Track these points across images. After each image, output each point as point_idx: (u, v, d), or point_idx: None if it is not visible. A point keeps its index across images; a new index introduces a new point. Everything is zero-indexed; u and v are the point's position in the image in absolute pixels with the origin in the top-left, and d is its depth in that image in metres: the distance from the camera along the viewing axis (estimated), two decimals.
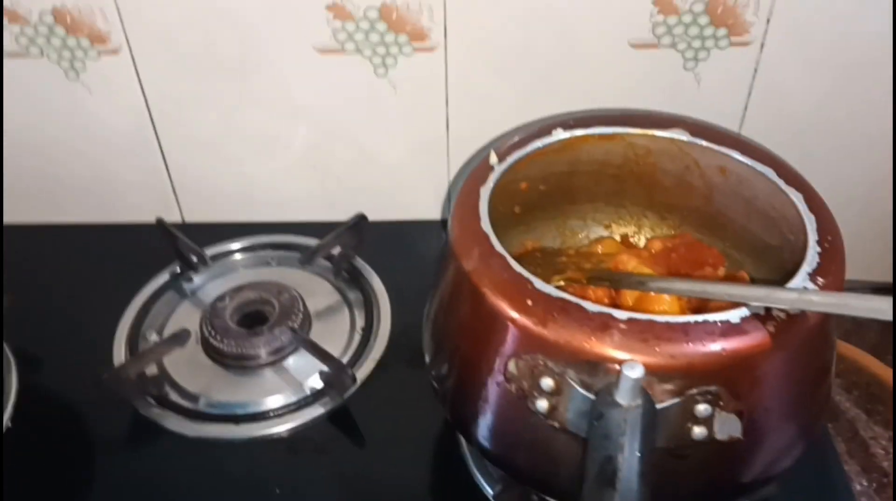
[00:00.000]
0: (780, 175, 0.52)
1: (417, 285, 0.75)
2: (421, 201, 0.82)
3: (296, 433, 0.63)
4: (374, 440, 0.63)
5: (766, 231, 0.57)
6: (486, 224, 0.49)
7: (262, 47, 0.70)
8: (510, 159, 0.55)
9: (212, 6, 0.68)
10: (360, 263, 0.77)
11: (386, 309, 0.72)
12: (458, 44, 0.69)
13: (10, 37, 0.69)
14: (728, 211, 0.60)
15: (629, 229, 0.67)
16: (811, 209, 0.49)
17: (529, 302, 0.44)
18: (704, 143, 0.56)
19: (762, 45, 0.68)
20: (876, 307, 0.34)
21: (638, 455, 0.38)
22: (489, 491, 0.57)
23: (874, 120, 0.71)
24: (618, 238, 0.66)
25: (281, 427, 0.63)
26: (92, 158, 0.78)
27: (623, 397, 0.39)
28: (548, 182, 0.62)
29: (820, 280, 0.45)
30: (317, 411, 0.64)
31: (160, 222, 0.75)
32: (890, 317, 0.33)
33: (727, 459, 0.46)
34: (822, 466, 0.59)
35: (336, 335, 0.70)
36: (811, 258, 0.46)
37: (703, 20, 0.67)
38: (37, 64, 0.71)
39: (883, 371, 0.69)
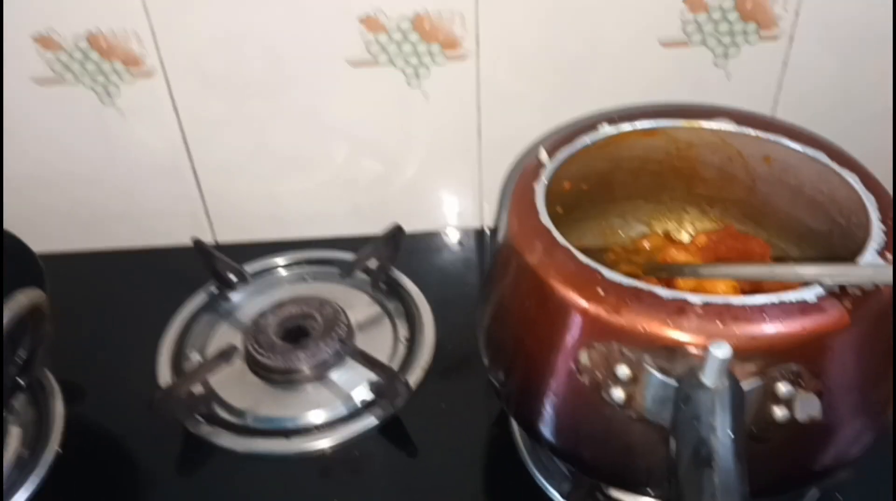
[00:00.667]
0: (832, 158, 0.53)
1: (457, 292, 0.76)
2: (454, 209, 0.82)
3: (348, 446, 0.62)
4: (428, 449, 0.62)
5: (813, 217, 0.58)
6: (545, 218, 0.49)
7: (293, 64, 0.71)
8: (560, 156, 0.55)
9: (244, 26, 0.68)
10: (398, 274, 0.77)
11: (428, 318, 0.72)
12: (489, 50, 0.70)
13: (44, 63, 0.69)
14: (772, 200, 0.60)
15: (670, 225, 0.67)
16: (868, 188, 0.50)
17: (601, 291, 0.44)
18: (751, 131, 0.56)
19: (791, 39, 0.69)
20: None
21: (731, 435, 0.38)
22: (553, 492, 0.57)
23: None
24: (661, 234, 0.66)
25: (332, 440, 0.62)
26: (125, 183, 0.78)
27: (710, 378, 0.39)
28: (589, 181, 0.62)
29: (889, 256, 0.45)
30: (368, 422, 0.63)
31: (197, 242, 0.75)
32: None
33: (806, 442, 0.45)
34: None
35: (381, 347, 0.70)
36: (877, 235, 0.46)
37: (733, 16, 0.67)
38: (71, 90, 0.71)
39: None
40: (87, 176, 0.78)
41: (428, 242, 0.82)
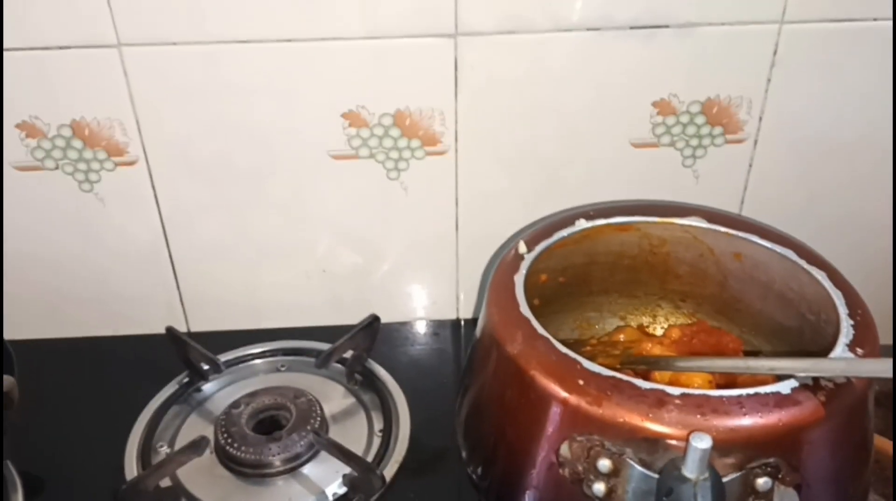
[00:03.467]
0: (800, 256, 0.55)
1: (433, 384, 0.75)
2: (430, 300, 0.82)
3: None
4: None
5: (784, 313, 0.59)
6: (525, 309, 0.50)
7: (276, 156, 0.72)
8: (538, 248, 0.56)
9: (229, 117, 0.70)
10: (373, 365, 0.76)
11: (403, 410, 0.71)
12: (468, 146, 0.72)
13: (27, 151, 0.70)
14: (744, 296, 0.62)
15: (644, 319, 0.68)
16: (836, 285, 0.51)
17: (581, 382, 0.44)
18: (722, 228, 0.58)
19: (756, 142, 0.72)
20: None
21: None
22: None
23: (872, 204, 0.75)
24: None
25: None
26: (100, 269, 0.78)
27: (691, 470, 0.39)
28: (566, 274, 0.64)
29: (859, 350, 0.46)
30: None
31: (170, 330, 0.74)
32: None
33: None
34: None
35: (355, 439, 0.69)
36: (846, 330, 0.47)
37: (700, 120, 0.71)
38: (51, 176, 0.72)
39: (882, 445, 0.69)
40: (62, 262, 0.77)
41: (404, 332, 0.82)
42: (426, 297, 0.82)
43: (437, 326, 0.83)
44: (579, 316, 0.68)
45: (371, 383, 0.75)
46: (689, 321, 0.66)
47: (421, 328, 0.83)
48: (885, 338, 0.78)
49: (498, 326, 0.50)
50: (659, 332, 0.67)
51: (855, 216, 0.75)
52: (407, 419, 0.70)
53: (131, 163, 0.72)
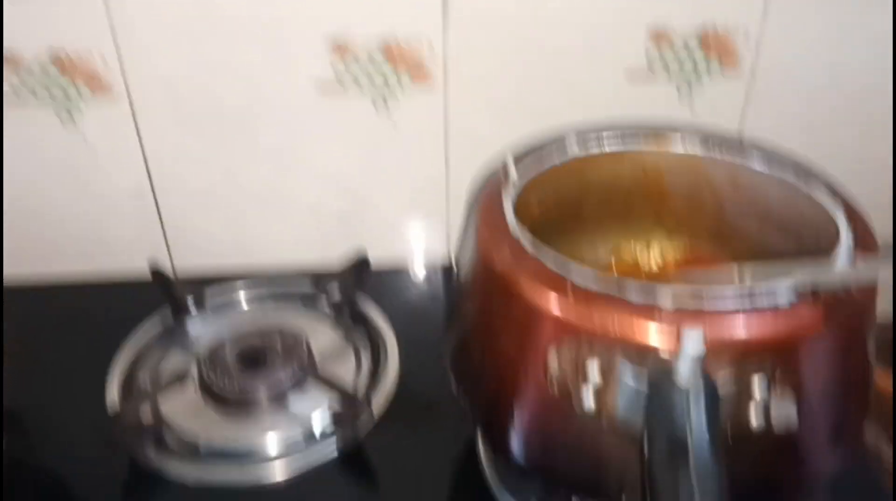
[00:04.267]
0: (799, 175, 0.53)
1: (424, 325, 0.74)
2: (421, 244, 0.81)
3: (307, 475, 0.59)
4: (391, 480, 0.59)
5: (781, 238, 0.58)
6: (513, 224, 0.48)
7: (262, 94, 0.70)
8: (529, 174, 0.55)
9: (214, 51, 0.68)
10: (363, 305, 0.75)
11: (393, 350, 0.70)
12: (457, 81, 0.70)
13: (7, 85, 0.68)
14: (740, 223, 0.60)
15: (638, 251, 0.67)
16: (835, 197, 0.50)
17: (571, 296, 0.43)
18: (719, 152, 0.57)
19: (752, 73, 0.70)
20: None
21: (707, 435, 0.36)
22: None
23: (871, 140, 0.73)
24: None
25: (289, 470, 0.59)
26: (84, 213, 0.76)
27: (684, 377, 0.38)
28: (557, 202, 0.62)
29: (859, 261, 0.44)
30: (328, 450, 0.60)
31: (154, 268, 0.72)
32: None
33: (779, 454, 0.44)
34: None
35: (343, 375, 0.67)
36: (846, 241, 0.46)
37: (697, 53, 0.69)
38: (32, 113, 0.70)
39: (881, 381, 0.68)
40: (46, 204, 0.75)
41: (394, 277, 0.80)
42: (417, 241, 0.81)
43: (429, 271, 0.81)
44: (571, 248, 0.65)
45: (360, 323, 0.73)
46: (684, 252, 0.64)
47: (411, 271, 0.81)
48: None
49: (485, 243, 0.48)
50: (653, 264, 0.65)
51: (854, 152, 0.74)
52: (396, 359, 0.69)
53: (113, 99, 0.69)
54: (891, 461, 0.62)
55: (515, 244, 0.47)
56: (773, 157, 0.55)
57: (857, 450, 0.48)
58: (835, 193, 0.50)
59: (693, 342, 0.37)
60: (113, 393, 0.66)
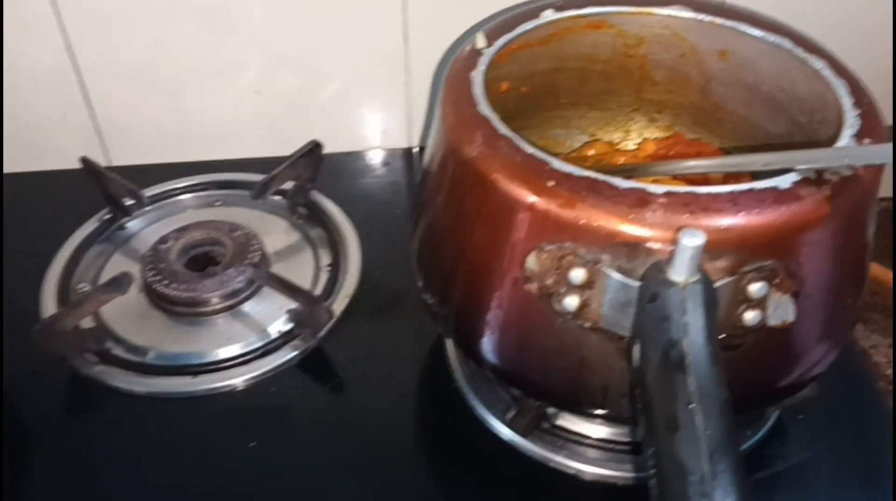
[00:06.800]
0: (797, 44, 0.48)
1: (384, 216, 0.69)
2: (379, 127, 0.75)
3: (264, 382, 0.55)
4: (354, 383, 0.56)
5: (771, 118, 0.53)
6: (484, 107, 0.43)
7: None
8: (499, 43, 0.48)
9: None
10: (319, 197, 0.69)
11: (353, 244, 0.65)
12: None
13: None
14: (727, 102, 0.55)
15: (616, 135, 0.62)
16: (839, 75, 0.45)
17: (551, 183, 0.38)
18: (707, 18, 0.51)
19: None
20: None
21: (705, 334, 0.33)
22: (494, 422, 0.51)
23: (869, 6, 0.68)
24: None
25: (246, 376, 0.55)
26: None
27: (680, 272, 0.34)
28: (531, 82, 0.56)
29: (866, 141, 0.40)
30: (287, 355, 0.56)
31: (86, 162, 0.65)
32: None
33: (773, 351, 0.41)
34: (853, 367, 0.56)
35: (299, 275, 0.62)
36: (852, 121, 0.41)
37: None
38: None
39: (882, 274, 0.66)
40: None
41: (351, 163, 0.74)
42: (375, 123, 0.74)
43: (388, 155, 0.76)
44: (544, 133, 0.60)
45: (316, 216, 0.68)
46: (666, 135, 0.59)
47: (370, 158, 0.75)
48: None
49: (453, 127, 0.42)
50: (632, 147, 0.61)
51: (852, 20, 0.68)
52: (357, 253, 0.65)
53: None
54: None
55: (488, 128, 0.41)
56: (768, 23, 0.50)
57: (847, 338, 0.45)
58: (839, 69, 0.45)
59: (691, 235, 0.33)
60: (48, 297, 0.60)
